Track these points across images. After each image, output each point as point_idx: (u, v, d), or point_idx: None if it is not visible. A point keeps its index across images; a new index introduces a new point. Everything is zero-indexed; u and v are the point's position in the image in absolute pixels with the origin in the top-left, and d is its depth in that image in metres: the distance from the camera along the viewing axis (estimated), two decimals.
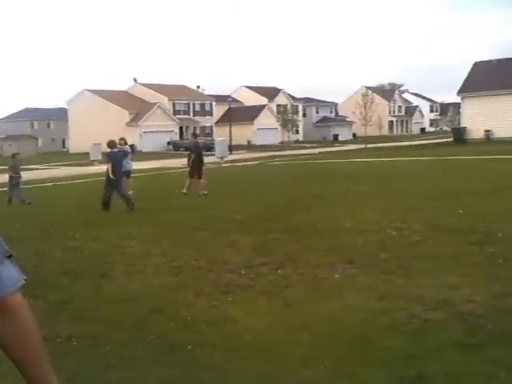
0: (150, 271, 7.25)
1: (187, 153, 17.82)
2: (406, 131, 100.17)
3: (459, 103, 48.03)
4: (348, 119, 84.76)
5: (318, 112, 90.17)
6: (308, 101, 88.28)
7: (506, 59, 46.43)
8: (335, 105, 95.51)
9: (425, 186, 14.90)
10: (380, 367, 4.04)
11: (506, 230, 8.43)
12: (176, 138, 66.06)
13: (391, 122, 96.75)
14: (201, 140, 58.41)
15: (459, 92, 45.96)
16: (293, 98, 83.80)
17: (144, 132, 63.68)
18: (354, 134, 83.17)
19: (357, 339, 4.57)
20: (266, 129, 72.95)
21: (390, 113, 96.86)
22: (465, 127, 44.37)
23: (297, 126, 77.99)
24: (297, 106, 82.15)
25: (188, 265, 7.45)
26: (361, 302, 5.54)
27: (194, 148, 16.82)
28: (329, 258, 7.41)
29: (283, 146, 65.16)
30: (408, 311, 5.18)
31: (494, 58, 47.52)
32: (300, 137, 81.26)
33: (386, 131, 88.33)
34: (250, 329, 4.98)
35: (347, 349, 4.42)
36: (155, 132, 63.53)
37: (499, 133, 41.00)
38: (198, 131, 72.49)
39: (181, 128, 68.76)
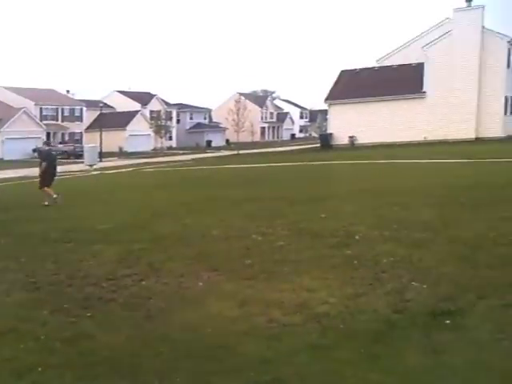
0: (3, 289, 6.83)
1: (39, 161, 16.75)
2: (277, 137, 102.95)
3: (327, 110, 50.10)
4: (221, 125, 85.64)
5: (191, 118, 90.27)
6: (182, 107, 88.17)
7: (369, 69, 49.21)
8: (209, 111, 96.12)
9: (290, 191, 15.35)
10: (236, 374, 4.08)
11: (363, 232, 8.86)
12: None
13: (263, 128, 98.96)
14: (68, 147, 56.10)
15: (326, 99, 48.00)
16: (166, 103, 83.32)
17: (6, 139, 60.30)
18: (227, 140, 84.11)
19: (215, 348, 4.59)
20: (138, 135, 71.88)
21: (262, 119, 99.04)
22: (331, 133, 46.47)
23: (170, 132, 77.62)
24: (170, 112, 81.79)
25: (47, 280, 7.11)
26: (223, 309, 5.57)
27: (46, 156, 16.06)
28: (194, 266, 7.40)
29: (156, 152, 64.55)
30: (267, 316, 5.28)
31: (361, 66, 50.06)
32: (173, 143, 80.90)
33: (258, 137, 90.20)
34: (108, 344, 4.83)
35: (205, 358, 4.42)
36: (19, 139, 60.29)
37: (362, 139, 43.40)
38: (66, 137, 70.07)
39: (48, 134, 65.74)
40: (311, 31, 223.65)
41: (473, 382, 3.82)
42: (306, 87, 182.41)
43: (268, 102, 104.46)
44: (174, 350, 4.63)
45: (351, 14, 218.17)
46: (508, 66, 41.98)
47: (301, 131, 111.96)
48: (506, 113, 42.10)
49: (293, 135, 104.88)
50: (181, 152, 61.74)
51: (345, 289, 5.97)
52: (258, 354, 4.37)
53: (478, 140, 39.45)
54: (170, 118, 79.78)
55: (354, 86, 46.27)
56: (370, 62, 54.07)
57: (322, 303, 5.56)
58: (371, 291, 5.86)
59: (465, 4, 42.02)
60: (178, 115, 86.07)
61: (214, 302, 5.82)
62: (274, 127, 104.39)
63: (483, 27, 41.28)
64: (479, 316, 4.98)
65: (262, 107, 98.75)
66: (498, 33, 41.53)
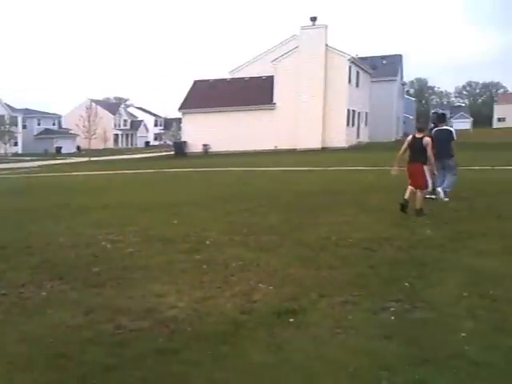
0: None
1: None
2: (132, 144, 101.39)
3: (181, 118, 50.15)
4: (72, 131, 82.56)
5: (39, 124, 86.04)
6: (29, 112, 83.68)
7: (222, 80, 50.09)
8: (59, 117, 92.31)
9: (141, 197, 15.17)
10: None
11: (214, 237, 8.97)
12: None
13: (116, 135, 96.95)
14: None
15: (180, 108, 48.12)
16: (11, 108, 78.61)
17: None
18: (78, 147, 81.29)
19: (56, 357, 4.39)
20: None
21: (115, 126, 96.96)
22: (185, 141, 46.66)
23: (15, 138, 73.41)
24: (16, 117, 77.33)
25: None
26: (66, 318, 5.35)
27: None
28: (37, 275, 7.03)
29: None
30: (114, 323, 5.16)
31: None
32: (19, 149, 76.52)
33: (111, 144, 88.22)
34: None
35: (45, 368, 4.21)
36: None
37: (216, 147, 44.02)
38: None
39: None
40: (166, 41, 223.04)
41: (312, 375, 4.00)
42: (160, 96, 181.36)
43: (121, 110, 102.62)
44: (10, 362, 4.37)
45: (205, 26, 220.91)
46: (349, 81, 44.83)
47: (155, 139, 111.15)
48: (348, 124, 44.91)
49: (147, 143, 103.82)
50: (28, 158, 58.49)
51: (194, 293, 6.00)
52: (102, 362, 4.26)
53: (324, 149, 41.62)
54: (16, 124, 75.49)
55: (208, 95, 46.93)
56: (223, 74, 55.02)
57: (171, 308, 5.54)
58: (220, 294, 5.95)
59: (310, 22, 44.08)
60: (24, 120, 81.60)
61: (56, 312, 5.56)
62: (127, 134, 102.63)
63: (327, 45, 43.60)
64: (320, 313, 5.24)
65: (114, 114, 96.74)
66: (341, 51, 44.12)
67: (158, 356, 4.36)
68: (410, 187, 10.51)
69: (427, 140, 10.48)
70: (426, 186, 10.59)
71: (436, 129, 12.28)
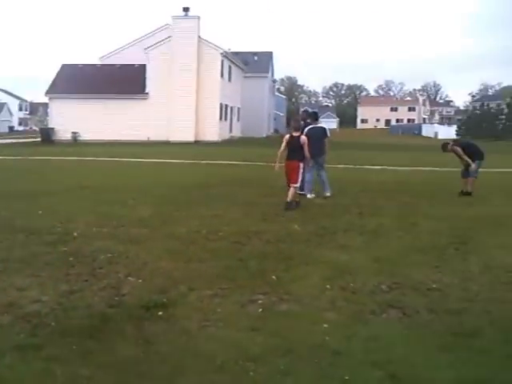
0: None
1: None
2: None
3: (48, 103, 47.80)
4: None
5: None
6: None
7: (92, 65, 48.32)
8: None
9: (5, 186, 14.33)
10: None
11: (82, 229, 8.69)
12: None
13: None
14: None
15: (47, 93, 45.84)
16: None
17: None
18: None
19: None
20: None
21: None
22: (53, 128, 44.55)
23: None
24: None
25: None
26: None
27: None
28: None
29: None
30: None
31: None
32: None
33: None
34: None
35: None
36: None
37: (86, 136, 42.43)
38: None
39: None
40: (34, 22, 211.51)
41: (179, 368, 4.02)
42: (25, 77, 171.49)
43: None
44: None
45: (75, 7, 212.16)
46: (222, 75, 45.18)
47: (20, 124, 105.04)
48: (221, 119, 45.28)
49: (11, 128, 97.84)
50: None
51: (59, 286, 5.79)
52: None
53: (197, 143, 41.63)
54: None
55: (77, 81, 45.11)
56: (93, 59, 53.00)
57: (34, 302, 5.31)
58: (87, 287, 5.79)
59: (183, 13, 43.77)
60: None
61: None
62: None
63: (199, 37, 43.52)
64: (189, 306, 5.28)
65: None
66: (214, 44, 44.26)
67: (17, 353, 4.16)
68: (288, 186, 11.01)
69: (304, 139, 11.01)
70: (297, 181, 11.03)
71: (310, 127, 12.75)
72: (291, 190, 10.84)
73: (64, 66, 48.26)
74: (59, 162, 23.19)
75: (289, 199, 10.75)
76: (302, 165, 11.05)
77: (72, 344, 4.35)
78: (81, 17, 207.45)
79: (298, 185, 11.20)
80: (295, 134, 11.12)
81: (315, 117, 13.54)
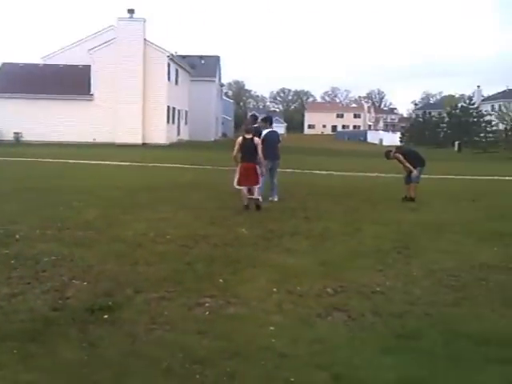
0: None
1: None
2: None
3: None
4: None
5: None
6: None
7: (33, 65, 47.04)
8: None
9: None
10: None
11: (25, 231, 8.48)
12: None
13: None
14: None
15: None
16: None
17: None
18: None
19: None
20: None
21: None
22: None
23: None
24: None
25: None
26: None
27: None
28: None
29: None
30: None
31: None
32: None
33: None
34: None
35: None
36: None
37: (30, 136, 41.29)
38: None
39: None
40: None
41: (124, 372, 3.98)
42: None
43: None
44: None
45: (14, 7, 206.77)
46: (169, 78, 44.86)
47: None
48: (168, 122, 44.93)
49: None
50: None
51: (1, 289, 5.63)
52: None
53: (144, 145, 41.16)
54: None
55: (18, 80, 43.75)
56: (35, 59, 51.45)
57: None
58: (29, 290, 5.65)
59: (128, 14, 43.19)
60: None
61: None
62: None
63: (145, 39, 43.01)
64: (136, 309, 5.23)
65: None
66: (160, 47, 43.83)
67: None
68: (243, 188, 11.00)
69: (258, 140, 11.12)
70: (259, 182, 11.12)
71: (267, 130, 12.82)
72: (256, 191, 11.07)
73: (4, 65, 46.87)
74: (0, 163, 22.52)
75: (256, 196, 11.07)
76: (257, 166, 11.13)
77: (13, 348, 4.24)
78: (21, 15, 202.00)
79: (260, 184, 11.23)
80: (247, 136, 11.19)
81: (270, 121, 13.59)
